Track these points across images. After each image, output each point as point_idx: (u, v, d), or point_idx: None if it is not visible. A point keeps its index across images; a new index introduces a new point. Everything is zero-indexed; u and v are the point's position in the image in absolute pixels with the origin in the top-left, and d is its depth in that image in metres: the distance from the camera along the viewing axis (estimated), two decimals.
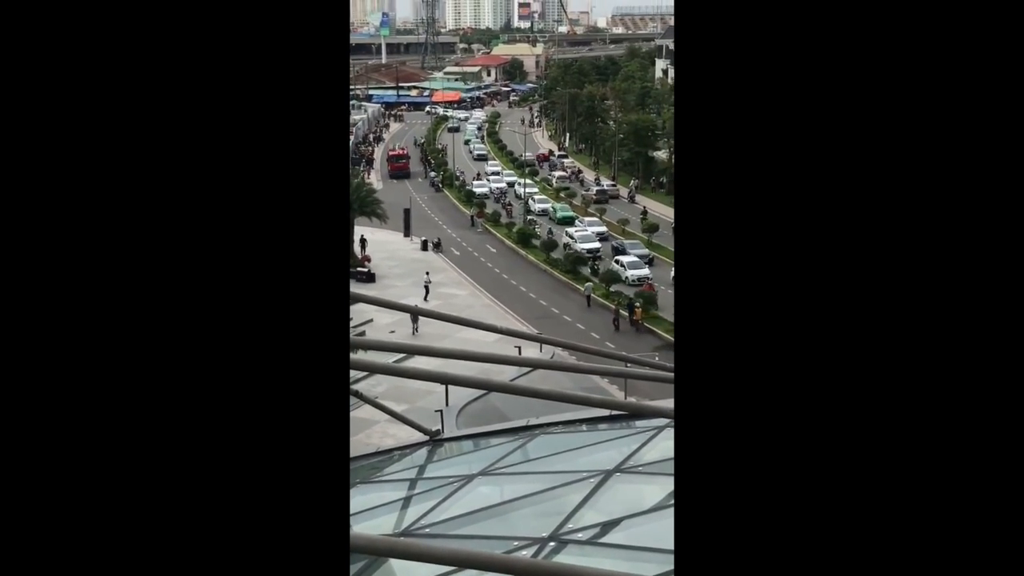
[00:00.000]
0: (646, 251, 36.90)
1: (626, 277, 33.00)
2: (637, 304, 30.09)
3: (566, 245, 37.74)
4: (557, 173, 57.78)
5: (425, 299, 29.73)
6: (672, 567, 4.63)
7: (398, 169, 58.01)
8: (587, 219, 43.11)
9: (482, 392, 10.00)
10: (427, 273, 32.64)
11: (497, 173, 56.10)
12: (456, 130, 72.61)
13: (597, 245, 37.71)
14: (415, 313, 20.88)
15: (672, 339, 26.94)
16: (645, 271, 33.60)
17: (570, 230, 39.78)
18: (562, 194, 50.57)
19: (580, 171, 58.67)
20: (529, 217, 43.29)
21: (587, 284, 33.20)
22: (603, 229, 40.98)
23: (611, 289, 31.96)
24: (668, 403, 8.06)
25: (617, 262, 34.58)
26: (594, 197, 49.87)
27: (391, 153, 61.80)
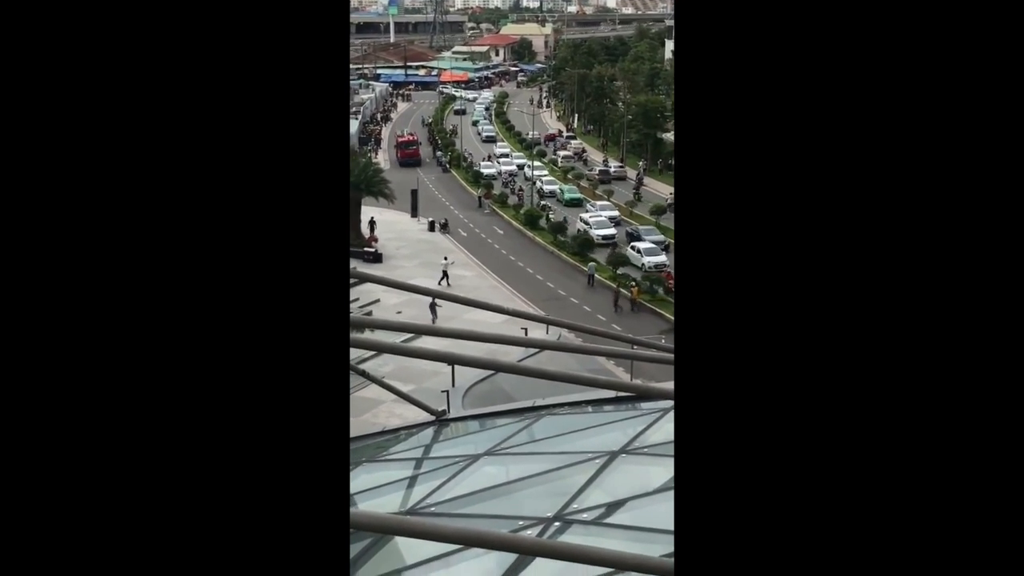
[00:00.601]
0: (661, 237, 36.21)
1: (642, 264, 32.58)
2: (633, 284, 30.11)
3: (581, 232, 36.89)
4: (562, 153, 57.56)
5: (440, 283, 29.49)
6: None
7: (408, 156, 53.91)
8: (599, 203, 42.50)
9: (489, 373, 10.03)
10: (445, 258, 32.21)
11: (506, 155, 55.79)
12: (463, 112, 71.98)
13: (613, 231, 37.06)
14: (433, 298, 20.76)
15: None
16: (662, 258, 33.15)
17: (584, 215, 39.09)
18: (570, 175, 50.44)
19: (584, 151, 58.38)
20: (542, 203, 42.89)
21: (591, 264, 33.17)
22: (615, 213, 40.35)
23: (618, 272, 31.94)
24: (672, 384, 8.04)
25: (633, 248, 34.20)
26: (598, 177, 49.61)
27: (400, 139, 57.29)
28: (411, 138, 57.51)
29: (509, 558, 4.69)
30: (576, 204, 44.04)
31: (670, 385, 7.96)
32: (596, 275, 32.19)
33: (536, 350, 11.31)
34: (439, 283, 29.43)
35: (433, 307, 24.36)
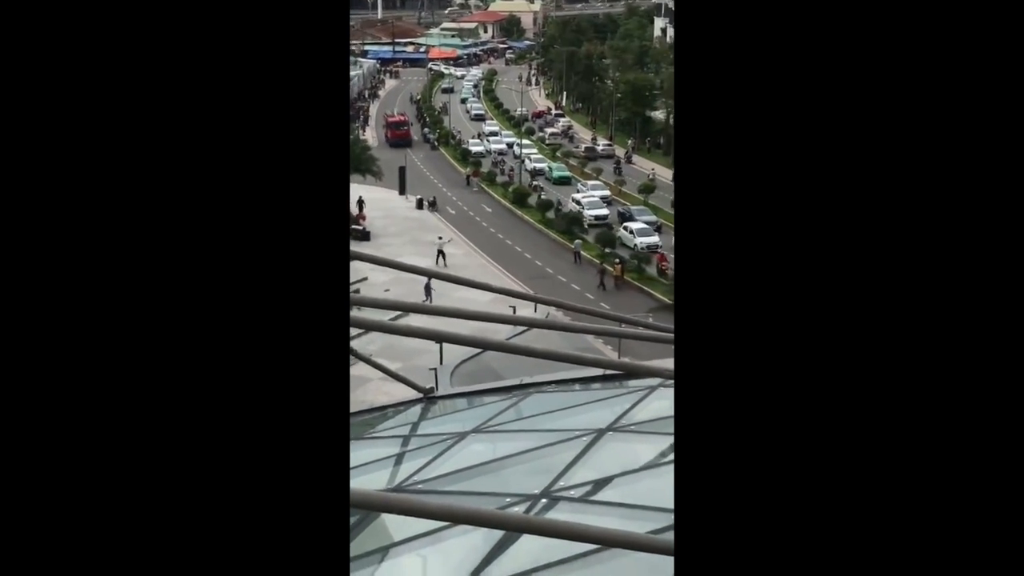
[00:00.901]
0: (653, 217, 36.08)
1: (635, 244, 32.49)
2: (617, 261, 30.17)
3: (573, 213, 36.55)
4: (549, 130, 57.37)
5: (436, 263, 29.33)
6: (664, 524, 4.69)
7: (399, 137, 52.59)
8: (590, 183, 42.21)
9: (476, 351, 10.03)
10: (440, 237, 31.96)
11: (496, 133, 55.54)
12: (451, 91, 71.42)
13: (605, 212, 36.73)
14: (428, 278, 20.56)
15: (667, 301, 27.09)
16: (655, 238, 33.09)
17: (576, 196, 38.82)
18: (558, 153, 50.32)
19: (571, 128, 58.18)
20: (533, 182, 42.61)
21: (576, 242, 33.15)
22: (607, 193, 40.06)
23: (606, 251, 31.96)
24: (661, 363, 8.10)
25: (626, 229, 34.00)
26: (583, 155, 49.44)
27: (390, 119, 55.68)
28: (402, 118, 56.33)
29: (496, 535, 4.70)
30: (565, 182, 43.91)
31: (657, 363, 7.98)
32: (582, 252, 32.20)
33: (524, 328, 11.32)
34: (436, 263, 29.32)
35: (428, 288, 24.32)
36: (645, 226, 34.29)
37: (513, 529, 4.49)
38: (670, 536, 4.56)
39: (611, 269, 30.08)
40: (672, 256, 31.49)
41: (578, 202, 37.80)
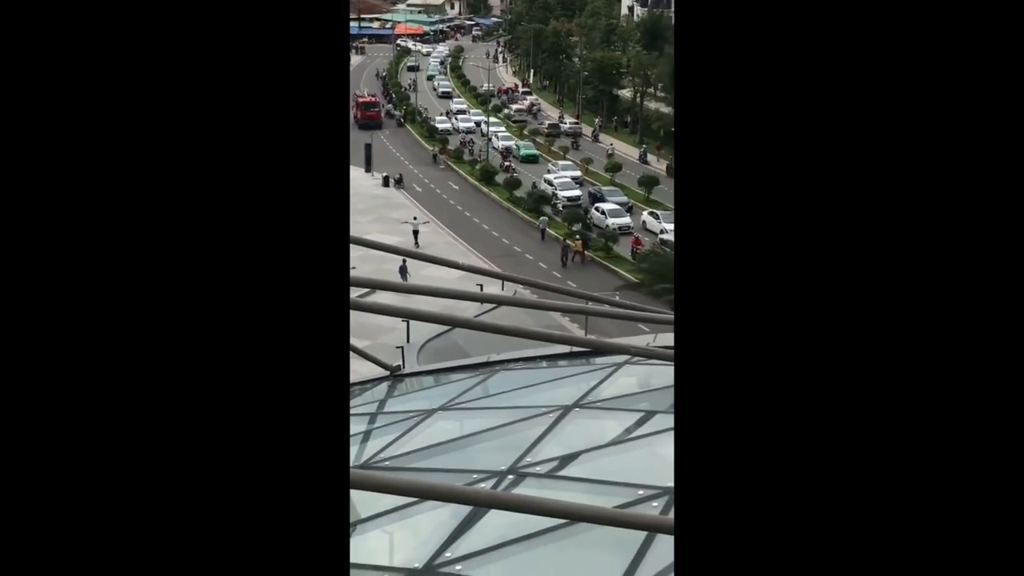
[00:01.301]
0: (625, 198, 36.00)
1: (607, 225, 32.40)
2: (577, 237, 30.27)
3: (547, 194, 36.13)
4: (515, 106, 57.13)
5: (416, 245, 29.13)
6: (630, 499, 4.73)
7: (369, 118, 49.99)
8: (560, 163, 41.85)
9: (444, 329, 10.02)
10: (415, 218, 31.65)
11: (463, 111, 55.15)
12: (416, 68, 70.59)
13: (578, 193, 36.33)
14: (404, 259, 20.40)
15: (634, 279, 27.25)
16: (627, 219, 33.07)
17: (548, 176, 38.38)
18: (525, 131, 50.18)
19: (534, 105, 57.96)
20: (505, 163, 42.27)
21: (542, 218, 33.15)
22: (578, 174, 39.69)
23: (573, 229, 32.01)
24: (628, 340, 8.14)
25: (598, 210, 33.86)
26: (546, 131, 49.24)
27: (360, 99, 52.76)
28: (372, 99, 54.72)
29: (463, 511, 4.72)
30: (532, 160, 43.80)
31: (624, 340, 8.01)
32: (548, 230, 32.21)
33: (492, 306, 11.31)
34: (416, 245, 29.13)
35: (403, 270, 24.20)
36: (617, 207, 34.27)
37: (481, 504, 4.51)
38: (637, 510, 4.61)
39: (573, 244, 30.16)
40: (641, 237, 31.74)
41: (550, 183, 37.54)
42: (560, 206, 34.88)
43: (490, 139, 45.83)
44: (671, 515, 4.59)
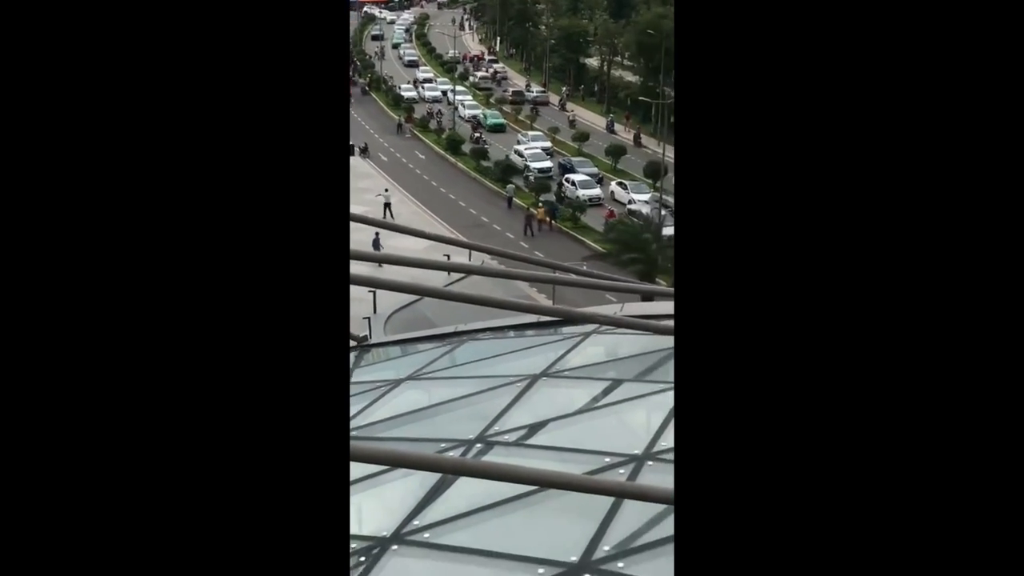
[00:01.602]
0: (595, 169, 35.73)
1: (577, 196, 32.22)
2: (540, 204, 30.29)
3: (515, 164, 35.81)
4: (479, 73, 56.72)
5: (384, 216, 28.86)
6: (599, 466, 4.76)
7: None
8: (530, 133, 41.39)
9: (410, 300, 9.98)
10: (386, 190, 31.28)
11: (430, 80, 54.62)
12: (379, 38, 69.62)
13: (549, 164, 35.96)
14: (376, 233, 20.13)
15: (601, 249, 27.34)
16: (597, 190, 32.93)
17: (519, 147, 37.93)
18: (492, 99, 49.86)
19: (499, 72, 57.55)
20: (475, 134, 41.74)
21: (509, 187, 33.04)
22: (548, 144, 39.29)
23: (540, 199, 31.97)
24: (595, 309, 8.16)
25: (568, 181, 33.65)
26: (510, 98, 48.93)
27: None
28: None
29: (432, 479, 4.73)
30: (499, 129, 43.53)
31: (591, 309, 8.04)
32: (515, 199, 32.16)
33: (460, 276, 11.29)
34: (384, 216, 28.89)
35: (376, 243, 24.04)
36: (587, 178, 34.13)
37: (449, 472, 4.52)
38: (605, 477, 4.65)
39: (536, 212, 30.14)
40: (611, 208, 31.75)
41: (520, 154, 37.17)
42: (531, 178, 34.70)
43: (456, 108, 45.48)
44: (638, 480, 4.63)
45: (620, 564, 3.97)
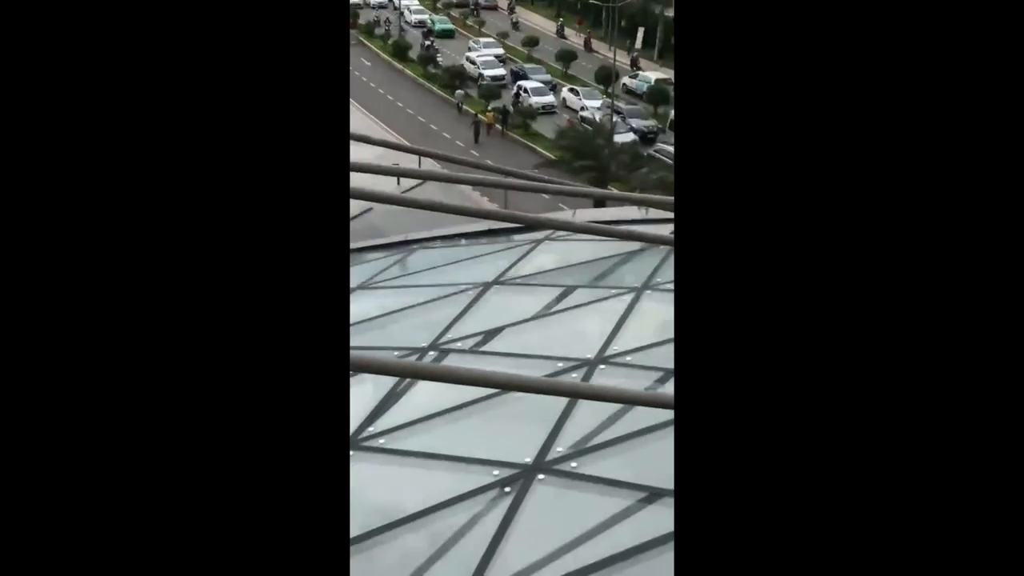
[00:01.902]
0: (548, 76, 35.00)
1: (530, 104, 31.66)
2: (490, 109, 29.94)
3: (476, 76, 34.93)
4: None
5: None
6: (554, 370, 4.80)
7: None
8: (482, 40, 40.29)
9: (360, 210, 9.85)
10: None
11: None
12: None
13: (502, 71, 35.22)
14: None
15: (551, 156, 27.20)
16: (550, 98, 32.41)
17: (470, 55, 36.95)
18: (439, 4, 48.53)
19: None
20: (426, 42, 40.53)
21: (458, 92, 32.49)
22: (501, 51, 38.34)
23: (490, 106, 31.51)
24: (547, 215, 8.12)
25: (520, 88, 33.08)
26: (456, 2, 47.65)
27: None
28: None
29: (386, 386, 4.73)
30: (448, 35, 42.50)
31: (544, 215, 7.99)
32: (464, 106, 31.67)
33: (413, 184, 11.13)
34: None
35: None
36: (540, 85, 33.57)
37: (404, 375, 4.52)
38: (562, 379, 4.69)
39: (485, 118, 29.77)
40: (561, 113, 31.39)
41: (472, 61, 36.30)
42: (484, 85, 34.11)
43: (402, 13, 44.22)
44: (592, 381, 4.69)
45: (573, 464, 4.04)
